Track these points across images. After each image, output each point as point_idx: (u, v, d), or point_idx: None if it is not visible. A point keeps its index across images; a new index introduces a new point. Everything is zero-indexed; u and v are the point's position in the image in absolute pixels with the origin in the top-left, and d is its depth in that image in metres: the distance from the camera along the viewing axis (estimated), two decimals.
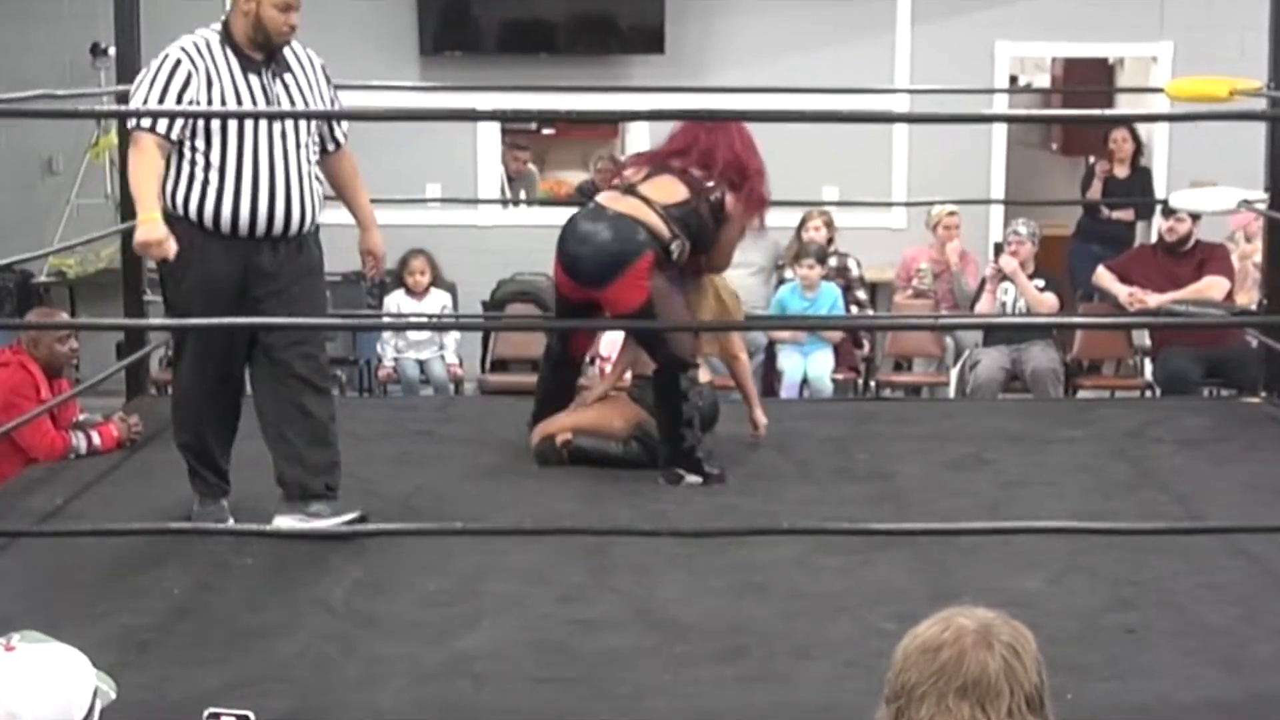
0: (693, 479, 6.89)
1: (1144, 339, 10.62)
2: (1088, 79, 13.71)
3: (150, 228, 5.66)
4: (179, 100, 5.80)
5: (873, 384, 10.82)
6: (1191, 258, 9.76)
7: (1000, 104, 12.22)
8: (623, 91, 10.98)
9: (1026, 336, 10.06)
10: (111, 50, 8.87)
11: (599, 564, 5.73)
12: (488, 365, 10.97)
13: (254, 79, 5.93)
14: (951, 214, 10.90)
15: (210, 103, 5.82)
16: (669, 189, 7.00)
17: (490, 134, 12.12)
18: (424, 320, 10.55)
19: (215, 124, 5.83)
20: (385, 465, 7.17)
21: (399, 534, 5.84)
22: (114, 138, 9.78)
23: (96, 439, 7.33)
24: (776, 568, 5.69)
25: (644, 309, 6.80)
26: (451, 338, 10.72)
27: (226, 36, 5.93)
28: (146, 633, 5.14)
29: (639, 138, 11.99)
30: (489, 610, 5.37)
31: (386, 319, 10.39)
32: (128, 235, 8.37)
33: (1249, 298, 9.67)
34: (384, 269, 6.66)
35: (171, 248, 5.68)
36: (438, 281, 10.68)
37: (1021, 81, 14.63)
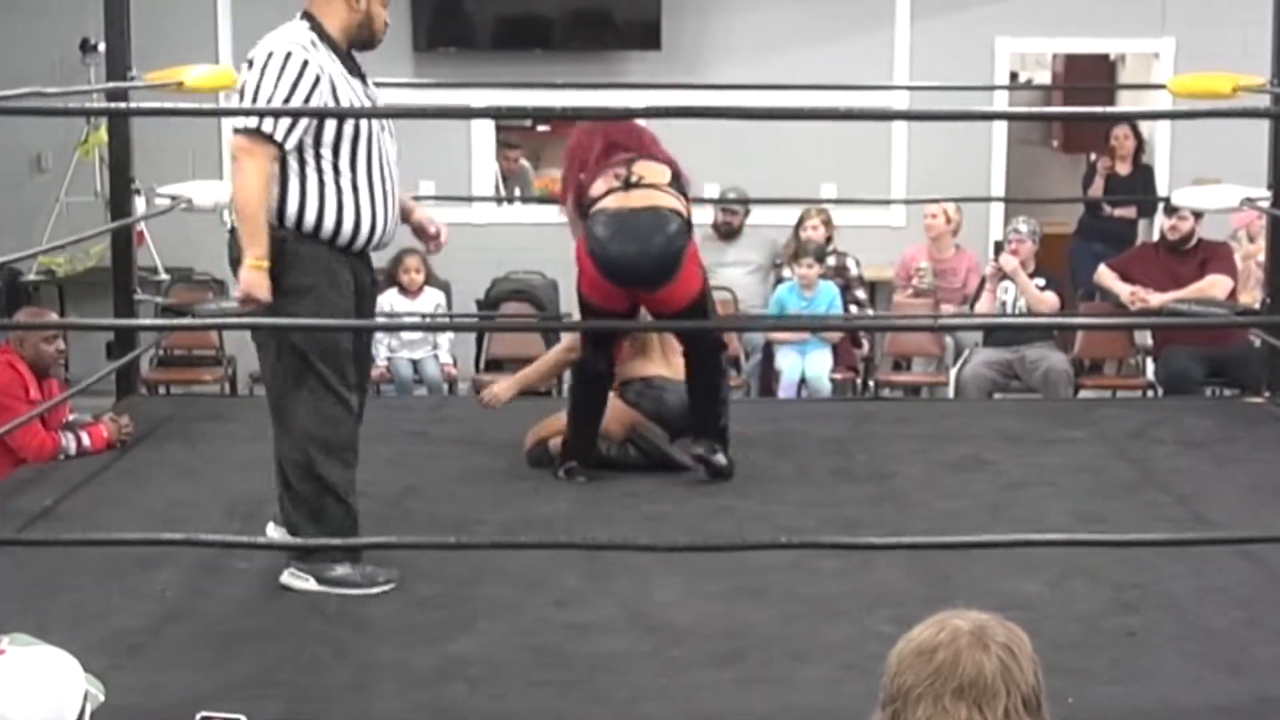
0: (719, 459, 6.93)
1: (1146, 338, 10.63)
2: (1089, 75, 13.73)
3: (260, 280, 5.32)
4: (306, 104, 5.36)
5: (871, 384, 10.82)
6: (1194, 256, 9.76)
7: (1000, 101, 12.20)
8: (618, 88, 10.99)
9: (1027, 337, 10.06)
10: (101, 46, 8.88)
11: (594, 567, 5.74)
12: (482, 365, 10.98)
13: (356, 83, 5.57)
14: (934, 215, 10.88)
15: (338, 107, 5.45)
16: (657, 169, 6.82)
17: (485, 130, 12.11)
18: (418, 321, 10.55)
19: (347, 130, 5.45)
20: (378, 466, 7.14)
21: (393, 547, 5.82)
22: (104, 134, 9.78)
23: (86, 440, 7.33)
24: (774, 570, 5.70)
25: (701, 296, 6.79)
26: (445, 337, 10.74)
27: (322, 35, 5.51)
28: (138, 636, 5.14)
29: None
30: (483, 614, 5.37)
31: (380, 319, 10.39)
32: (118, 233, 8.42)
33: (1252, 297, 9.67)
34: (444, 239, 6.20)
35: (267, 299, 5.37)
36: (431, 280, 10.68)
37: (1022, 78, 14.62)
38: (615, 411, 7.19)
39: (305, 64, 5.36)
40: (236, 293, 5.47)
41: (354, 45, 5.61)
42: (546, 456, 7.17)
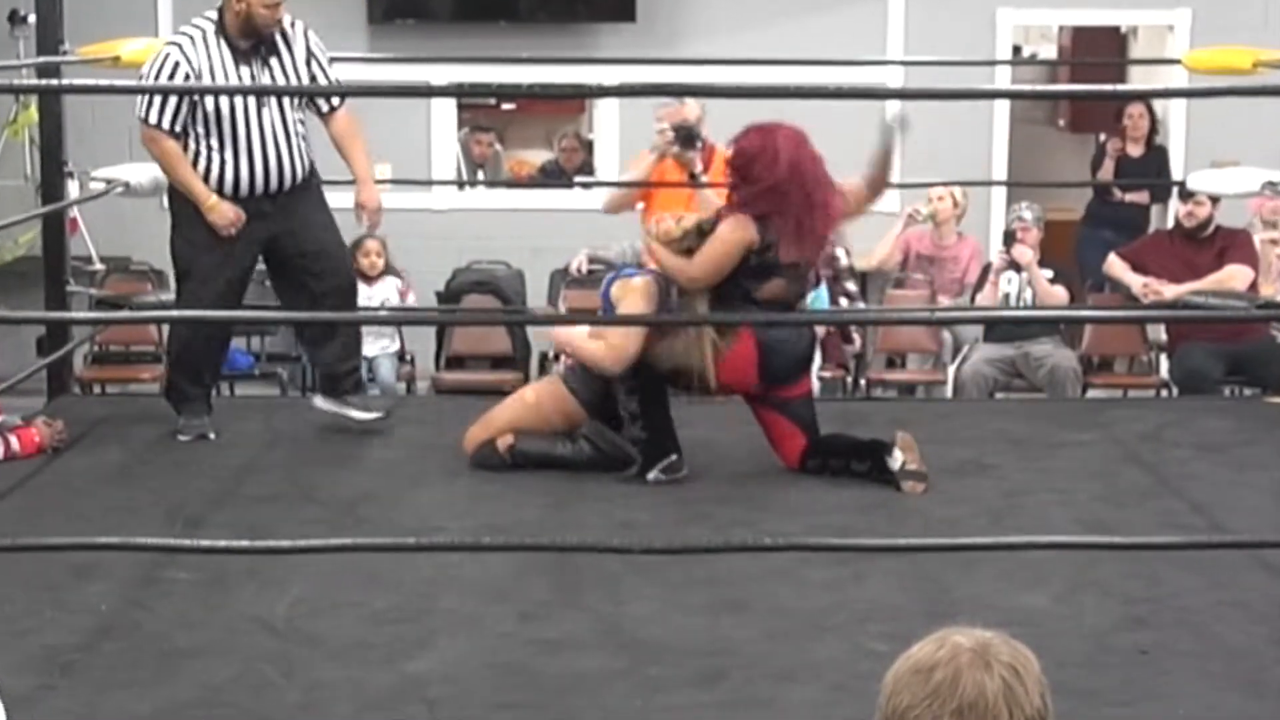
0: None
1: (1160, 333, 10.65)
2: (1098, 50, 13.76)
3: (222, 211, 7.31)
4: (177, 95, 7.27)
5: (863, 382, 10.82)
6: (1211, 245, 9.78)
7: (1003, 77, 12.22)
8: (590, 64, 10.99)
9: (1031, 332, 10.06)
10: (31, 18, 8.85)
11: (564, 578, 5.73)
12: (442, 362, 10.96)
13: (244, 69, 7.27)
14: (941, 198, 10.87)
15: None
16: None
17: (445, 110, 12.09)
18: (374, 314, 10.51)
19: (210, 110, 7.24)
20: (330, 469, 7.16)
21: (348, 550, 5.81)
22: (34, 113, 9.76)
23: (15, 443, 7.29)
24: (758, 582, 5.69)
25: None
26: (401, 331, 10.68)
27: (220, 27, 7.23)
28: (71, 653, 5.12)
29: (607, 113, 12.00)
30: (443, 629, 5.37)
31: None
32: (49, 219, 8.41)
33: (1273, 289, 9.70)
34: (380, 223, 7.93)
35: (242, 217, 7.34)
36: (390, 269, 10.63)
37: (1026, 52, 14.66)
38: (557, 402, 7.19)
39: (175, 65, 7.16)
40: (223, 228, 7.35)
41: (247, 36, 7.25)
42: (495, 456, 7.15)
